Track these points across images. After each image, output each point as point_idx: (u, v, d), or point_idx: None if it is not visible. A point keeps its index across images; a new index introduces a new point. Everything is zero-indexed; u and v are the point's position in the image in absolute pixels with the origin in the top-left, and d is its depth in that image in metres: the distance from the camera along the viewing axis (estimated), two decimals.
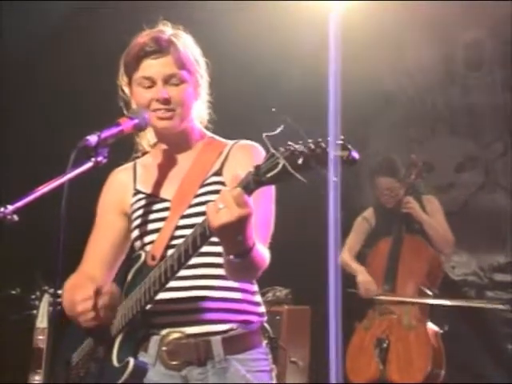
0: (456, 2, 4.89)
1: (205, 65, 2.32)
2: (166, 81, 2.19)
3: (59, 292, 3.42)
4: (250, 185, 1.82)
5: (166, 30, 2.28)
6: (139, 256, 2.24)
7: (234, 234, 1.85)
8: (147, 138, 2.40)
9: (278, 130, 1.72)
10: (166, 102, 2.20)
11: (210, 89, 2.35)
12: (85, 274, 2.32)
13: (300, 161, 1.71)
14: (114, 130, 2.09)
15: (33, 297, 3.66)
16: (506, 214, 5.27)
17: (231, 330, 2.17)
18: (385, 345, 4.36)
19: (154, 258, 2.18)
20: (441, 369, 4.36)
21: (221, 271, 2.13)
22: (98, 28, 4.71)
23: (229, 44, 4.67)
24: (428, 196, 4.79)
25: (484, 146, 5.43)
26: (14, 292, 4.00)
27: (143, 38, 2.23)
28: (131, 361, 2.13)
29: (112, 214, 2.37)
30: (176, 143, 2.32)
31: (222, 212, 1.80)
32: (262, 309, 2.28)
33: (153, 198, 2.29)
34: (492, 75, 5.30)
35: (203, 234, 1.91)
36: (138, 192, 2.33)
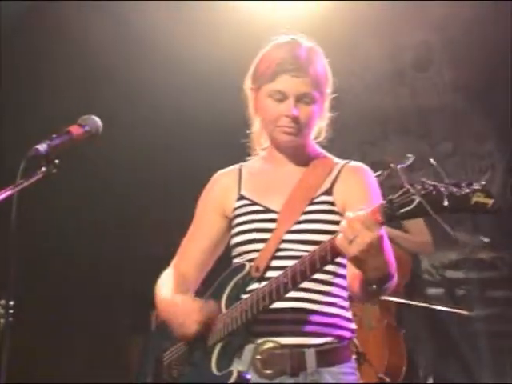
0: (404, 3, 4.94)
1: (332, 83, 2.34)
2: (298, 99, 2.21)
3: (10, 303, 3.36)
4: (382, 217, 1.81)
5: (303, 43, 2.28)
6: (243, 266, 2.26)
7: (374, 261, 1.86)
8: (261, 142, 2.41)
9: (410, 162, 1.70)
10: (296, 120, 2.22)
11: None
12: (178, 272, 2.38)
13: (445, 203, 1.68)
14: (63, 138, 2.06)
15: None
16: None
17: (325, 344, 2.20)
18: None
19: (258, 270, 2.21)
20: (400, 368, 4.39)
21: (321, 287, 2.19)
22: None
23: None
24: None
25: (433, 146, 5.49)
26: None
27: (282, 51, 2.23)
28: (235, 372, 2.16)
29: (212, 214, 2.39)
30: (288, 156, 2.33)
31: (355, 242, 1.81)
32: (354, 325, 2.31)
33: (258, 206, 2.30)
34: (440, 76, 5.37)
35: (324, 258, 1.94)
36: (242, 197, 2.34)
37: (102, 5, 4.69)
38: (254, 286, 2.20)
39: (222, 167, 2.47)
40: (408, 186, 1.75)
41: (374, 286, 1.93)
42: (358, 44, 5.17)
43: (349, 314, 2.29)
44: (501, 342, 5.06)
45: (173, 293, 2.31)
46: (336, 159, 2.37)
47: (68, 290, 5.00)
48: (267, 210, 2.28)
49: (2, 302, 3.42)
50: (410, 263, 4.70)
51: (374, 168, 5.27)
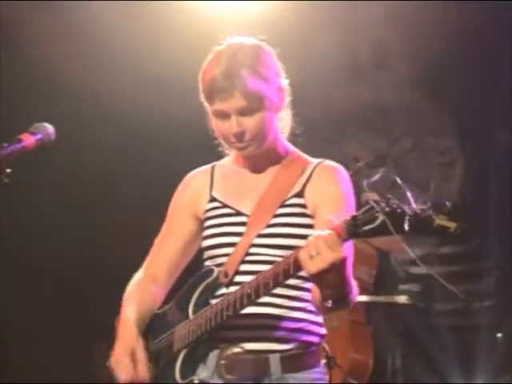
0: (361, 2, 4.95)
1: (283, 72, 2.30)
2: (240, 113, 2.18)
3: None
4: (344, 235, 1.80)
5: (239, 50, 2.22)
6: (211, 271, 2.23)
7: (332, 280, 1.84)
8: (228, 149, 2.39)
9: (377, 177, 1.66)
10: (241, 135, 2.19)
11: None
12: (148, 275, 2.35)
13: (406, 225, 1.66)
14: (15, 147, 2.01)
15: None
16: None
17: (292, 349, 2.18)
18: None
19: (226, 275, 2.19)
20: (366, 365, 4.39)
21: (289, 291, 2.16)
22: None
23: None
24: (369, 193, 4.79)
25: (393, 142, 5.51)
26: None
27: (214, 67, 2.19)
28: (196, 380, 2.17)
29: (184, 215, 2.36)
30: (258, 159, 2.29)
31: (315, 259, 1.80)
32: (324, 330, 2.27)
33: (229, 209, 2.27)
34: (398, 72, 5.37)
35: (287, 271, 1.91)
36: (213, 199, 2.31)
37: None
38: (223, 291, 2.18)
39: (197, 167, 2.45)
40: (372, 203, 1.72)
41: (329, 304, 1.91)
42: (314, 40, 5.15)
43: (319, 319, 2.26)
44: (464, 335, 5.09)
45: (134, 318, 2.28)
46: (310, 158, 2.33)
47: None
48: (238, 213, 2.26)
49: None
50: (375, 258, 4.70)
51: None
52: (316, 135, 5.55)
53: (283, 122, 2.34)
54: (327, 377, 2.32)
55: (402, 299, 4.55)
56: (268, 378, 2.16)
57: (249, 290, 2.02)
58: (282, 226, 2.18)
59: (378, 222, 1.71)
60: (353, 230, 1.77)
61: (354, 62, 5.47)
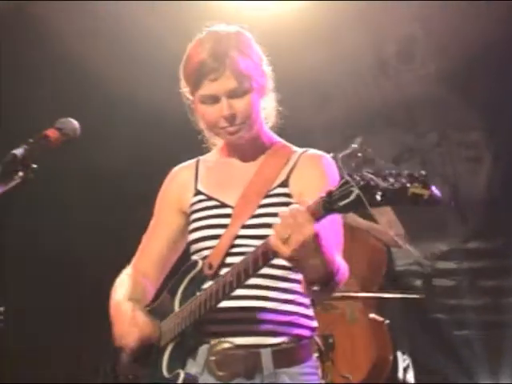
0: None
1: (266, 60, 2.26)
2: (230, 95, 2.14)
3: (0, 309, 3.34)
4: (320, 211, 1.75)
5: (222, 33, 2.19)
6: (196, 263, 2.21)
7: (310, 261, 1.79)
8: (213, 140, 2.37)
9: (351, 150, 1.62)
10: (232, 118, 2.16)
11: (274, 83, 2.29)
12: (138, 271, 2.33)
13: (378, 196, 1.64)
14: (40, 143, 2.04)
15: None
16: (446, 203, 5.33)
17: (283, 343, 2.13)
18: (330, 341, 4.38)
19: (211, 267, 2.15)
20: (387, 358, 4.39)
21: (278, 283, 2.12)
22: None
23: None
24: None
25: (419, 137, 5.49)
26: None
27: (201, 51, 2.16)
28: (181, 374, 2.11)
29: (170, 210, 2.34)
30: (243, 149, 2.27)
31: (288, 241, 1.75)
32: (315, 323, 2.24)
33: (214, 201, 2.25)
34: (424, 67, 5.36)
35: (265, 255, 1.87)
36: (198, 192, 2.29)
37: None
38: (209, 283, 2.14)
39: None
40: (347, 177, 1.69)
41: (316, 287, 1.86)
42: (342, 37, 5.15)
43: (309, 312, 2.22)
44: (492, 332, 5.06)
45: (125, 298, 2.26)
46: (294, 148, 2.30)
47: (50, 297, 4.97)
48: (223, 205, 2.23)
49: None
50: (384, 253, 4.70)
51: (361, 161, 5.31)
52: (344, 131, 5.56)
53: (266, 112, 2.30)
54: (319, 370, 2.23)
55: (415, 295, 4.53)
56: (260, 373, 2.11)
57: (231, 278, 1.98)
58: (266, 217, 2.15)
59: (353, 196, 1.67)
60: (328, 206, 1.73)
61: (381, 58, 5.46)
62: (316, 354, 2.22)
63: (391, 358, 4.39)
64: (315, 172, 2.18)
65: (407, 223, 5.12)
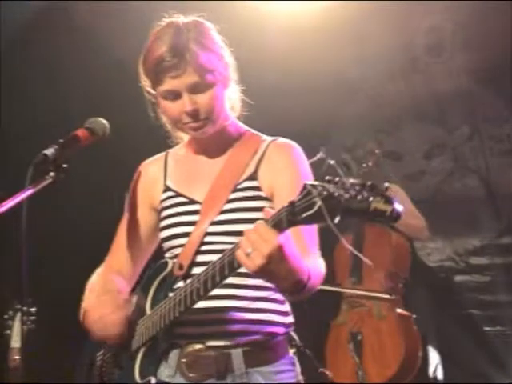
0: None
1: (227, 49, 2.18)
2: (191, 90, 2.07)
3: (31, 310, 3.38)
4: (283, 223, 1.71)
5: (181, 25, 2.11)
6: (165, 264, 2.17)
7: (278, 272, 1.76)
8: (179, 135, 2.31)
9: (317, 158, 1.57)
10: (195, 113, 2.09)
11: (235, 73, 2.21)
12: (112, 269, 2.29)
13: (339, 210, 1.57)
14: (71, 143, 2.03)
15: (6, 317, 3.59)
16: (478, 198, 5.28)
17: (255, 342, 2.08)
18: (359, 338, 4.36)
19: (181, 268, 2.11)
20: (417, 354, 4.37)
21: (248, 280, 2.07)
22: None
23: None
24: (392, 185, 4.75)
25: (450, 132, 5.44)
26: None
27: (159, 46, 2.06)
28: (153, 380, 2.08)
29: (141, 208, 2.30)
30: (210, 142, 2.20)
31: (252, 256, 1.72)
32: (290, 319, 2.18)
33: (182, 197, 2.19)
34: (453, 60, 5.31)
35: (231, 264, 1.83)
36: (167, 189, 2.24)
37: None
38: (180, 284, 2.08)
39: None
40: (309, 188, 1.62)
41: (289, 295, 1.83)
42: (370, 32, 5.12)
43: (283, 307, 2.15)
44: None
45: (94, 296, 2.20)
46: (264, 136, 2.22)
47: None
48: (191, 202, 2.16)
49: (19, 306, 3.45)
50: (408, 248, 4.66)
51: (391, 157, 5.29)
52: (372, 126, 5.53)
53: (232, 101, 2.22)
54: (297, 366, 2.16)
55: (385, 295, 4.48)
56: (231, 374, 2.06)
57: (198, 285, 1.92)
58: (235, 212, 2.08)
59: (315, 207, 1.60)
60: (291, 217, 1.67)
61: (410, 52, 5.42)
62: (293, 350, 2.15)
63: (420, 353, 4.37)
64: (285, 163, 2.10)
65: (441, 219, 5.08)
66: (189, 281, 1.98)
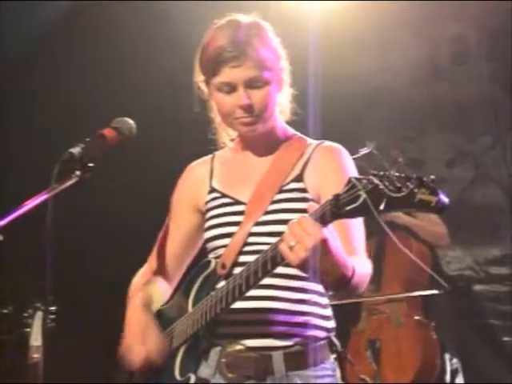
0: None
1: (285, 54, 2.19)
2: (248, 85, 2.08)
3: (52, 309, 3.39)
4: (327, 216, 1.72)
5: (242, 22, 2.13)
6: (208, 263, 2.17)
7: (321, 266, 1.76)
8: (228, 133, 2.30)
9: (363, 153, 1.56)
10: (250, 108, 2.09)
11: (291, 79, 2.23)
12: (153, 270, 2.31)
13: (383, 203, 1.59)
14: (97, 142, 2.04)
15: (25, 315, 3.61)
16: (499, 207, 5.26)
17: (295, 345, 2.07)
18: (377, 345, 4.35)
19: (224, 267, 2.11)
20: (434, 361, 4.34)
21: (290, 283, 2.06)
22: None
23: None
24: None
25: (473, 140, 5.42)
26: (6, 311, 3.94)
27: (220, 39, 2.08)
28: (192, 377, 2.08)
29: (186, 209, 2.30)
30: (257, 143, 2.21)
31: (295, 249, 1.73)
32: (332, 323, 2.16)
33: (228, 198, 2.20)
34: (478, 69, 5.29)
35: (274, 259, 1.83)
36: (213, 190, 2.24)
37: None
38: (222, 283, 2.08)
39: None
40: (354, 181, 1.64)
41: (332, 291, 1.83)
42: (394, 40, 5.12)
43: (325, 312, 2.14)
44: None
45: (140, 305, 2.23)
46: (310, 140, 2.22)
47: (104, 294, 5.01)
48: (236, 202, 2.16)
49: (44, 307, 3.48)
50: (427, 255, 4.64)
51: (413, 164, 5.28)
52: (396, 133, 5.52)
53: (282, 105, 2.23)
54: (338, 372, 2.14)
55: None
56: (271, 376, 2.06)
57: (240, 281, 1.93)
58: (279, 213, 2.08)
59: (360, 200, 1.63)
60: (335, 210, 1.69)
61: (434, 59, 5.41)
62: (333, 356, 2.14)
63: (438, 361, 4.34)
64: (331, 165, 2.11)
65: (461, 228, 5.05)
66: (231, 278, 1.99)
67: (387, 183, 1.59)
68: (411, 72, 5.30)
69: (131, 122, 2.13)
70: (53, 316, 3.38)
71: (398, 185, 1.58)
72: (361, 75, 5.00)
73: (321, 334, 2.11)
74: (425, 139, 5.54)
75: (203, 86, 2.20)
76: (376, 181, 1.60)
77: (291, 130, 2.26)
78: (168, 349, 2.16)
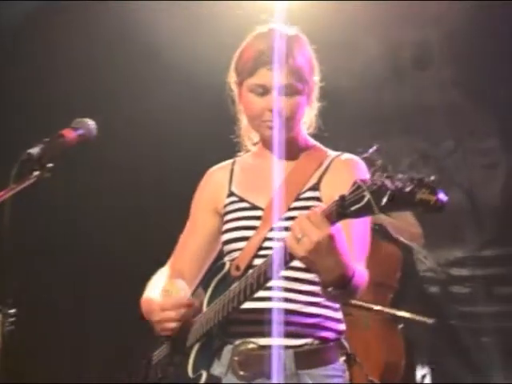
0: (402, 2, 4.93)
1: (318, 69, 2.28)
2: (280, 91, 2.15)
3: (11, 312, 3.36)
4: (333, 216, 1.78)
5: (283, 32, 2.22)
6: (223, 265, 2.23)
7: (324, 262, 1.81)
8: (250, 137, 2.37)
9: (371, 152, 1.59)
10: (279, 113, 2.15)
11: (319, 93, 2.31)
12: (174, 270, 2.35)
13: (384, 199, 1.65)
14: (56, 142, 2.05)
15: None
16: (460, 210, 5.32)
17: (306, 345, 2.14)
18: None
19: (238, 269, 2.17)
20: (399, 363, 4.38)
21: (302, 286, 2.13)
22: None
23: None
24: None
25: (435, 144, 5.48)
26: None
27: (260, 43, 2.17)
28: (204, 374, 2.14)
29: (205, 212, 2.36)
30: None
31: (302, 241, 1.78)
32: (343, 326, 2.24)
33: (245, 203, 2.26)
34: (440, 73, 5.35)
35: (283, 257, 1.89)
36: (232, 194, 2.30)
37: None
38: (236, 284, 2.14)
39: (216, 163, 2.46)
40: (359, 182, 1.71)
41: (330, 289, 1.87)
42: (357, 43, 5.15)
43: (336, 314, 2.22)
44: (508, 338, 5.02)
45: (155, 289, 2.27)
46: (330, 151, 2.30)
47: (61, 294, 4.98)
48: (254, 207, 2.24)
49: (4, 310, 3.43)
50: (398, 257, 4.67)
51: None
52: (359, 137, 5.56)
53: (306, 119, 2.31)
54: (347, 374, 2.23)
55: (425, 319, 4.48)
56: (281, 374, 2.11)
57: (251, 281, 2.01)
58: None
59: (364, 200, 1.69)
60: (340, 210, 1.75)
61: (397, 63, 5.45)
62: (343, 358, 2.22)
63: (403, 363, 4.37)
64: (346, 176, 2.15)
65: (424, 231, 5.11)
66: (243, 278, 2.05)
67: (390, 184, 1.65)
68: (374, 75, 5.34)
69: (91, 122, 2.14)
70: (12, 319, 3.35)
71: (400, 185, 1.63)
72: (323, 76, 5.02)
73: (331, 335, 2.19)
74: (387, 142, 5.59)
75: (234, 87, 2.27)
76: (379, 182, 1.66)
77: (312, 141, 2.34)
78: (182, 346, 2.22)
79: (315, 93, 2.29)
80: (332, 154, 2.29)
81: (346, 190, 2.03)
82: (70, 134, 2.08)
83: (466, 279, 5.30)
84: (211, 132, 4.69)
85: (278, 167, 2.27)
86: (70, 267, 4.91)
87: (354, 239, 2.07)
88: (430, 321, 4.41)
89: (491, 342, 5.06)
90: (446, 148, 5.42)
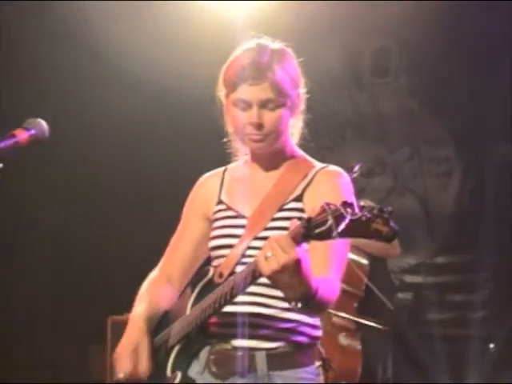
0: (363, 9, 4.98)
1: (303, 83, 2.32)
2: (262, 105, 2.20)
3: None
4: (298, 237, 1.85)
5: (268, 47, 2.27)
6: (207, 271, 2.31)
7: (287, 281, 1.89)
8: (240, 148, 2.40)
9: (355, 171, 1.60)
10: (259, 127, 2.21)
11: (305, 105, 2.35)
12: (163, 275, 2.43)
13: (341, 226, 1.73)
14: (8, 142, 2.03)
15: None
16: (415, 217, 5.38)
17: (279, 348, 2.22)
18: None
19: (221, 276, 2.23)
20: (355, 370, 4.40)
21: (277, 292, 2.13)
22: None
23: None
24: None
25: (392, 151, 5.53)
26: None
27: (244, 59, 2.24)
28: (179, 375, 2.25)
29: (196, 217, 2.43)
30: (265, 160, 2.32)
31: (269, 260, 1.86)
32: (319, 332, 2.30)
33: (232, 211, 2.32)
34: (398, 81, 5.41)
35: (253, 272, 1.98)
36: (220, 202, 2.36)
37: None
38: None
39: (207, 166, 2.51)
40: (325, 206, 1.78)
41: (293, 304, 1.94)
42: (316, 49, 5.17)
43: (313, 320, 2.27)
44: (456, 345, 5.09)
45: (143, 309, 2.34)
46: (315, 163, 2.35)
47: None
48: (239, 216, 2.30)
49: None
50: (364, 266, 4.68)
51: None
52: (317, 144, 5.58)
53: (293, 130, 2.36)
54: (321, 378, 2.28)
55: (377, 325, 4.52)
56: (254, 374, 2.20)
57: (226, 290, 2.09)
58: (278, 230, 2.16)
59: (327, 224, 1.77)
60: (305, 232, 1.83)
61: (355, 71, 5.50)
62: (319, 363, 2.28)
63: (359, 369, 4.40)
64: (330, 188, 2.21)
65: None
66: (220, 287, 2.14)
67: (350, 211, 1.73)
68: (333, 81, 5.38)
69: (43, 122, 2.12)
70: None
71: (360, 214, 1.72)
72: None
73: (305, 339, 2.25)
74: (345, 148, 5.63)
75: (223, 100, 2.32)
76: (342, 209, 1.74)
77: (300, 152, 2.38)
78: (164, 347, 2.32)
79: (301, 105, 2.33)
80: (318, 165, 2.33)
81: (325, 200, 2.05)
82: (21, 135, 2.06)
83: (418, 286, 5.36)
84: (158, 131, 4.72)
85: (266, 176, 2.33)
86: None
87: (329, 252, 2.12)
88: (382, 327, 4.45)
89: (441, 348, 5.12)
90: (403, 155, 5.48)
